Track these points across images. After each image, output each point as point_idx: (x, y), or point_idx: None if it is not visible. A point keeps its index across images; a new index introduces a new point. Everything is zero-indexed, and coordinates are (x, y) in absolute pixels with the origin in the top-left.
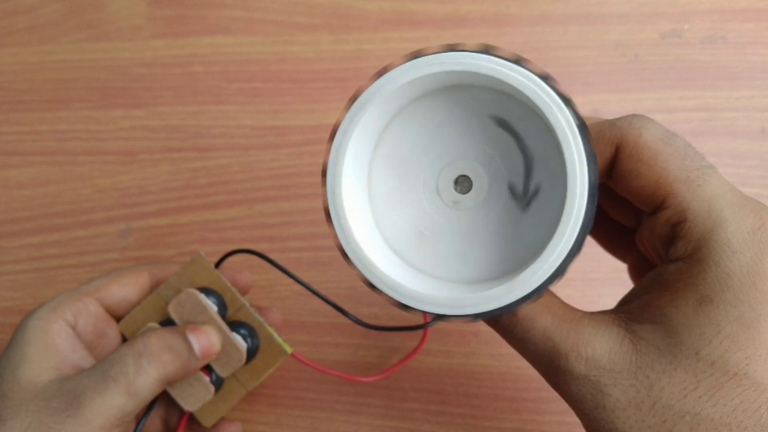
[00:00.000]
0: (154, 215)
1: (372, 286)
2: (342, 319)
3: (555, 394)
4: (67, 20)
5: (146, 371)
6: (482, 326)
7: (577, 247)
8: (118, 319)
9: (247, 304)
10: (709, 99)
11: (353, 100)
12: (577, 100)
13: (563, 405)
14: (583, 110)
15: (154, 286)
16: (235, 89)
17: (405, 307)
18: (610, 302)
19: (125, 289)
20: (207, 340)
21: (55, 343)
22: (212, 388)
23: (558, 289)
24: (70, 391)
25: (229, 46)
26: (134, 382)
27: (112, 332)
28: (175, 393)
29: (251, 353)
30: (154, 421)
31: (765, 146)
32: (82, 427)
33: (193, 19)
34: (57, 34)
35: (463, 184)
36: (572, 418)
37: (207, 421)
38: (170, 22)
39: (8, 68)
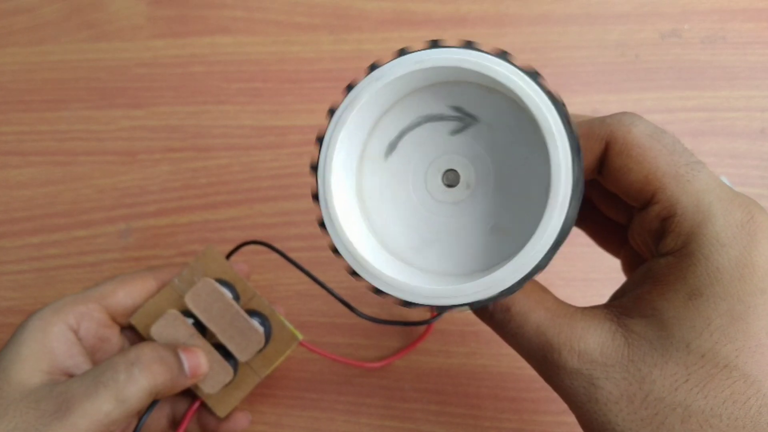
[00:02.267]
0: (154, 215)
1: (378, 292)
2: (342, 319)
3: (555, 394)
4: (67, 20)
5: (137, 380)
6: (483, 326)
7: (561, 239)
8: (121, 324)
9: (258, 293)
10: (709, 99)
11: (348, 89)
12: (577, 100)
13: (563, 405)
14: (583, 110)
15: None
16: (235, 89)
17: (376, 291)
18: None
19: (131, 296)
20: (196, 360)
21: (51, 346)
22: (231, 370)
23: (558, 289)
24: (60, 394)
25: (229, 46)
26: (124, 389)
27: (114, 338)
28: None
29: (265, 339)
30: (160, 420)
31: (765, 146)
32: (67, 429)
33: (193, 19)
34: (57, 34)
35: (450, 178)
36: (572, 418)
37: (221, 410)
38: (170, 22)
39: (8, 68)
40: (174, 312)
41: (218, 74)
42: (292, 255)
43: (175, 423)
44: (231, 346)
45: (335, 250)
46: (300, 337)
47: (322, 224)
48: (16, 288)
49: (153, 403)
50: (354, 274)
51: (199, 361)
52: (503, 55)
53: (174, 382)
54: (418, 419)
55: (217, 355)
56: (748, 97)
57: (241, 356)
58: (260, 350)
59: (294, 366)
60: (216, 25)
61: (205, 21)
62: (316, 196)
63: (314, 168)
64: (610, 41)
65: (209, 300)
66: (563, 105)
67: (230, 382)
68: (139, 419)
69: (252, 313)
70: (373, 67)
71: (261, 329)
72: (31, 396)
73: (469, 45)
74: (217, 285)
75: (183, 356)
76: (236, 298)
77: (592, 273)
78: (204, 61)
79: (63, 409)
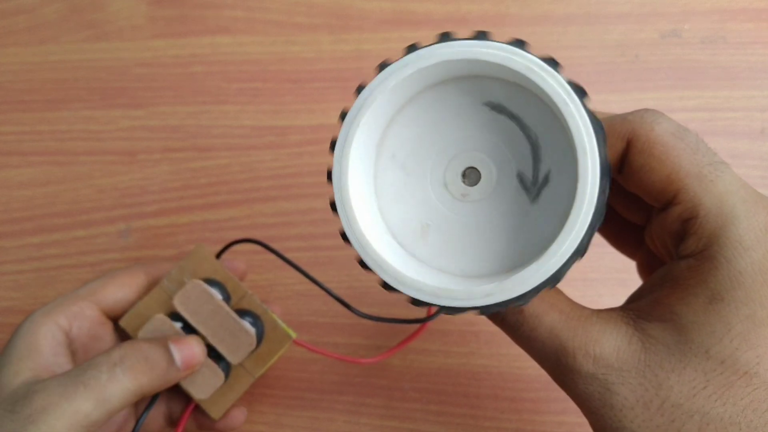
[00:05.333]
0: (154, 215)
1: (387, 286)
2: (342, 319)
3: (555, 395)
4: (67, 20)
5: (119, 380)
6: (482, 326)
7: (586, 240)
8: (115, 320)
9: (250, 292)
10: (709, 99)
11: (358, 91)
12: None
13: (563, 405)
14: None
15: (151, 286)
16: (235, 89)
17: (416, 302)
18: (610, 302)
19: (122, 290)
20: (189, 350)
21: (38, 345)
22: (222, 375)
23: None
24: (35, 394)
25: (229, 46)
26: (105, 389)
27: (107, 335)
28: (184, 383)
29: (257, 340)
30: (157, 418)
31: (765, 146)
32: None
33: (193, 19)
34: (57, 34)
35: (471, 176)
36: (571, 419)
37: (215, 412)
38: (170, 22)
39: (8, 68)
40: (161, 317)
41: (218, 74)
42: (291, 255)
43: (171, 420)
44: (222, 349)
45: (345, 237)
46: (293, 335)
47: (333, 207)
48: (16, 288)
49: (151, 403)
50: (363, 265)
51: (193, 351)
52: (521, 44)
53: (163, 379)
54: (418, 419)
55: (207, 360)
56: (748, 97)
57: (232, 359)
58: (253, 350)
59: (293, 366)
60: (216, 25)
61: (205, 21)
62: (330, 176)
63: (332, 146)
64: (610, 41)
65: (198, 302)
66: (584, 92)
67: (224, 383)
68: (137, 420)
69: (244, 312)
70: (412, 48)
71: (252, 330)
72: (8, 398)
73: (482, 35)
74: (206, 286)
75: (174, 349)
76: (227, 297)
77: (592, 273)
78: (204, 61)
79: (38, 411)
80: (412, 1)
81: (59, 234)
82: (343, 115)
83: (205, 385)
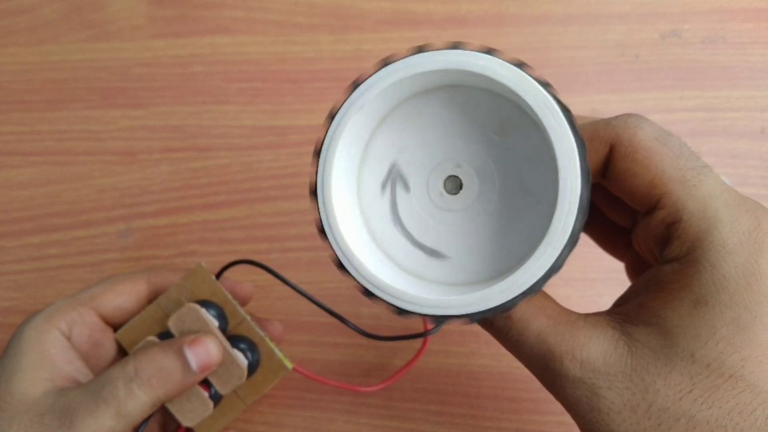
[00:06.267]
0: (154, 215)
1: (368, 294)
2: None
3: None
4: (67, 20)
5: (137, 395)
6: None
7: (570, 246)
8: (114, 327)
9: (248, 318)
10: (709, 99)
11: (331, 117)
12: (577, 100)
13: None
14: (583, 110)
15: (152, 294)
16: (235, 89)
17: (401, 312)
18: (610, 302)
19: (122, 297)
20: (205, 353)
21: (49, 355)
22: (211, 404)
23: (557, 289)
24: (62, 408)
25: (229, 46)
26: (125, 405)
27: (108, 342)
28: (173, 408)
29: (251, 368)
30: (152, 425)
31: (765, 146)
32: None
33: (193, 19)
34: (57, 34)
35: (453, 185)
36: (571, 419)
37: None
38: (170, 22)
39: (8, 68)
40: (151, 339)
41: (218, 74)
42: (292, 255)
43: (165, 429)
44: (212, 378)
45: (326, 237)
46: (290, 366)
47: (321, 231)
48: (16, 288)
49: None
50: (340, 267)
51: (209, 352)
52: (492, 52)
53: (179, 387)
54: (418, 419)
55: (196, 388)
56: (748, 97)
57: (221, 389)
58: (248, 377)
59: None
60: (216, 25)
61: (205, 21)
62: (314, 192)
63: (313, 192)
64: (610, 41)
65: (193, 327)
66: (569, 111)
67: (215, 408)
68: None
69: (240, 339)
70: (386, 61)
71: (244, 363)
72: (34, 408)
73: (456, 45)
74: (203, 313)
75: (189, 353)
76: (224, 321)
77: (592, 273)
78: (204, 61)
79: (66, 424)
80: (412, 1)
81: (59, 234)
82: (317, 152)
83: (192, 413)
